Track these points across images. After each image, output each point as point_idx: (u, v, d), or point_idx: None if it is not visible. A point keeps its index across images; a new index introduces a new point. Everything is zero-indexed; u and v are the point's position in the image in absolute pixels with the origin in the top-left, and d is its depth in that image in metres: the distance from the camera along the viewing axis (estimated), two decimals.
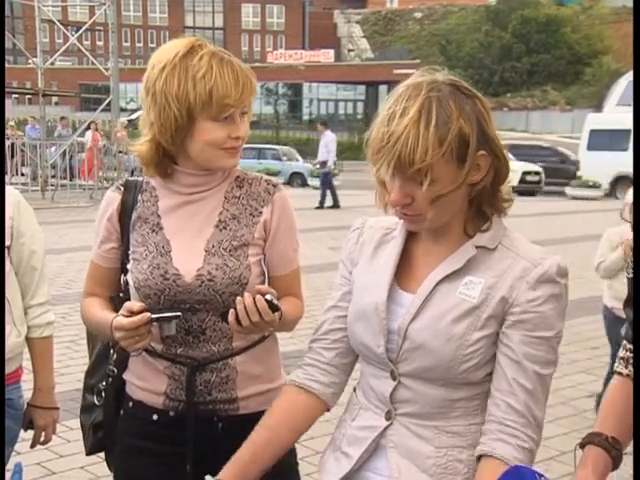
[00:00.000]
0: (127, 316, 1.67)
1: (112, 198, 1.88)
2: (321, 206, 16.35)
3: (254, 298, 1.63)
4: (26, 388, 2.24)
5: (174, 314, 1.70)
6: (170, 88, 1.71)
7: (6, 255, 2.12)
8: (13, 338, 2.13)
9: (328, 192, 16.48)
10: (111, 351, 1.90)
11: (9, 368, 2.14)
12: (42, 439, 2.30)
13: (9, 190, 2.16)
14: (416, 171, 1.34)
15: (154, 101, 1.73)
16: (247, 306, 1.62)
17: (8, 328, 2.11)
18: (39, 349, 2.23)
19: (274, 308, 1.63)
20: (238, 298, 1.64)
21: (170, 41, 1.79)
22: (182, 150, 1.78)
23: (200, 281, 1.75)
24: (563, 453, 3.94)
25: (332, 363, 1.58)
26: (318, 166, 17.11)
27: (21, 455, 2.90)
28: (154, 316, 1.67)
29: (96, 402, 1.93)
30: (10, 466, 2.22)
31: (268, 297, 1.63)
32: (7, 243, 2.11)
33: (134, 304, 1.70)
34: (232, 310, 1.63)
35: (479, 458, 1.41)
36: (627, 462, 1.45)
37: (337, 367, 1.58)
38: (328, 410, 1.59)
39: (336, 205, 16.34)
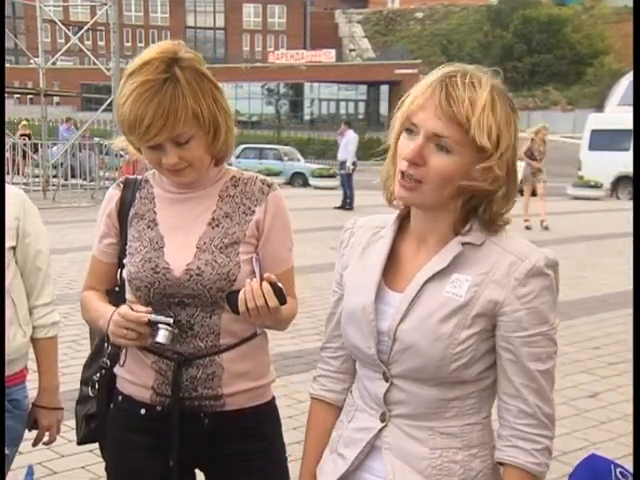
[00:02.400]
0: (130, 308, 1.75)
1: (112, 195, 1.93)
2: (344, 206, 15.87)
3: (261, 282, 1.66)
4: (30, 388, 2.24)
5: (167, 320, 1.74)
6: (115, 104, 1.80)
7: (12, 256, 2.12)
8: (19, 339, 2.13)
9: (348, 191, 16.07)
10: (105, 344, 1.94)
11: (15, 368, 2.14)
12: (46, 439, 2.30)
13: (14, 190, 2.17)
14: (463, 132, 1.36)
15: None
16: (254, 289, 1.65)
17: (13, 329, 2.11)
18: (44, 349, 2.23)
19: (280, 296, 1.66)
20: (247, 280, 1.69)
21: (151, 46, 1.78)
22: None
23: (189, 275, 1.78)
24: (565, 453, 3.94)
25: (341, 370, 1.64)
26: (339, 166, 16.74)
27: (23, 455, 2.90)
28: (151, 317, 1.73)
29: (90, 394, 1.97)
30: (14, 466, 2.23)
31: (279, 284, 1.66)
32: (13, 244, 2.11)
33: (139, 306, 1.77)
34: (243, 289, 1.68)
35: (499, 464, 1.46)
36: None
37: (346, 373, 1.64)
38: None
39: (349, 207, 15.88)
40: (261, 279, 1.67)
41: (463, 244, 1.44)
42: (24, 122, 21.32)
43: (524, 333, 1.40)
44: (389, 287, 1.50)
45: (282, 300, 1.66)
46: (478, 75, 1.41)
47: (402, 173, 1.41)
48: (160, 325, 1.73)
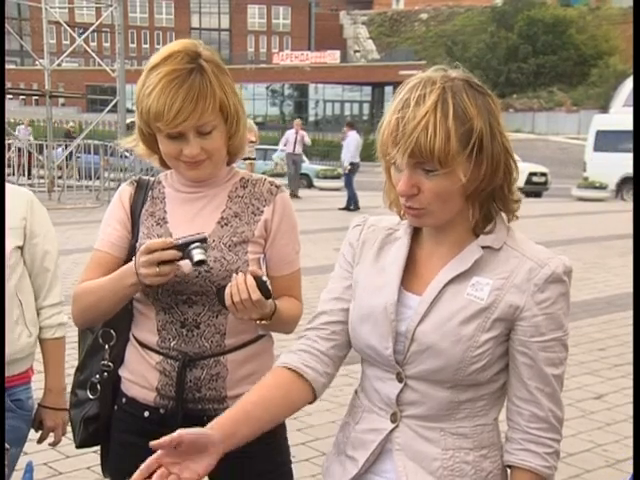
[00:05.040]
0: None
1: (125, 190, 1.94)
2: (348, 207, 15.65)
3: (246, 276, 1.68)
4: (36, 388, 2.24)
5: (201, 236, 1.72)
6: (136, 97, 1.80)
7: (19, 256, 2.12)
8: (24, 338, 2.13)
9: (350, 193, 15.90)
10: (106, 346, 1.93)
11: (20, 368, 2.15)
12: (52, 440, 2.31)
13: (22, 190, 2.17)
14: (436, 161, 1.34)
15: None
16: (238, 283, 1.67)
17: (19, 329, 2.12)
18: (51, 350, 2.23)
19: (265, 290, 1.67)
20: (234, 275, 1.71)
21: (170, 43, 1.83)
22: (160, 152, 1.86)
23: (197, 272, 1.79)
24: (570, 455, 3.93)
25: (328, 353, 1.54)
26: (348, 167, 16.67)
27: (28, 455, 2.91)
28: (183, 238, 1.70)
29: (90, 396, 1.94)
30: (19, 466, 2.24)
31: (264, 278, 1.67)
32: (20, 243, 2.11)
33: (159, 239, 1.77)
34: (230, 283, 1.70)
35: (507, 467, 1.46)
36: None
37: (332, 358, 1.55)
38: (313, 401, 1.53)
39: (354, 208, 15.61)
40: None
41: (483, 248, 1.45)
42: (71, 124, 21.33)
43: (541, 338, 1.41)
44: (405, 289, 1.49)
45: (266, 294, 1.67)
46: (430, 84, 1.37)
47: (405, 206, 1.43)
48: (192, 245, 1.70)
